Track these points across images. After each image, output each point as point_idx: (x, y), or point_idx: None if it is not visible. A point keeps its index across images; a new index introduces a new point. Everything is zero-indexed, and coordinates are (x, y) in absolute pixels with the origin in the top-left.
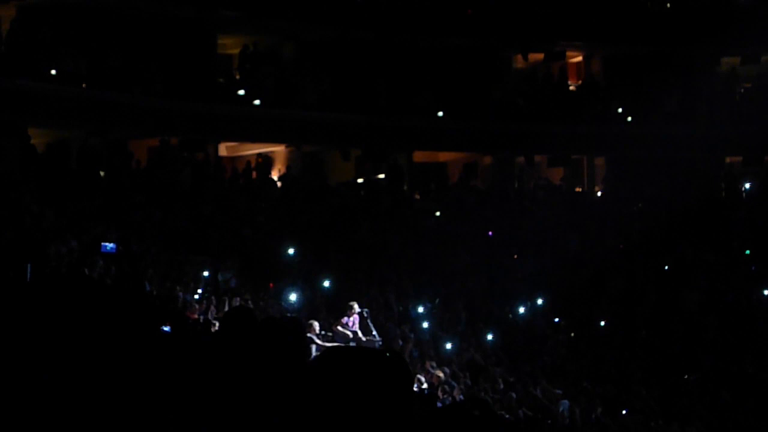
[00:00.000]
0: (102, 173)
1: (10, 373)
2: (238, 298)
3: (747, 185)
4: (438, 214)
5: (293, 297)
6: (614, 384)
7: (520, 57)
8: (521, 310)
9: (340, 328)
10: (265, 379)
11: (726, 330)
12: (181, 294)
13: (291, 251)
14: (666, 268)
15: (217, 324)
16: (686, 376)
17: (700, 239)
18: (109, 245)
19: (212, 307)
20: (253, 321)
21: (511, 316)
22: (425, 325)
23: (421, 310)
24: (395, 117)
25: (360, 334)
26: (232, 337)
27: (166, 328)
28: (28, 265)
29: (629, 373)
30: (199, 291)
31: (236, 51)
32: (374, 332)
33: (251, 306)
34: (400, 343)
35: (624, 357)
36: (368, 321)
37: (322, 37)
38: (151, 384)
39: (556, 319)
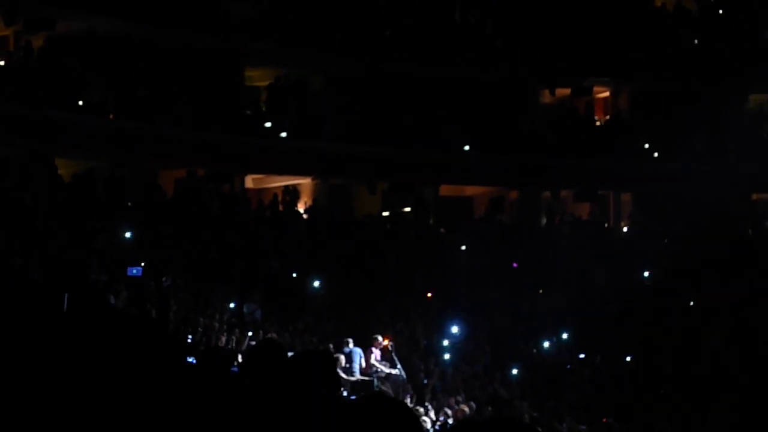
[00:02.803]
0: (129, 204)
1: (43, 405)
2: (261, 331)
3: None
4: (463, 248)
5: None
6: (638, 420)
7: (547, 92)
8: (546, 344)
9: (375, 363)
10: (295, 414)
11: (751, 367)
12: (202, 325)
13: (316, 284)
14: (691, 304)
15: (240, 357)
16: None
17: (725, 276)
18: (135, 269)
19: (233, 338)
20: (282, 355)
21: (535, 350)
22: (449, 358)
23: (446, 343)
24: (422, 150)
25: (384, 368)
26: (261, 370)
27: (192, 360)
28: (66, 295)
29: (653, 409)
30: (225, 323)
31: (263, 83)
32: (399, 366)
33: (276, 338)
34: (423, 376)
35: (648, 393)
36: (393, 354)
37: (350, 69)
38: (178, 416)
39: (581, 355)
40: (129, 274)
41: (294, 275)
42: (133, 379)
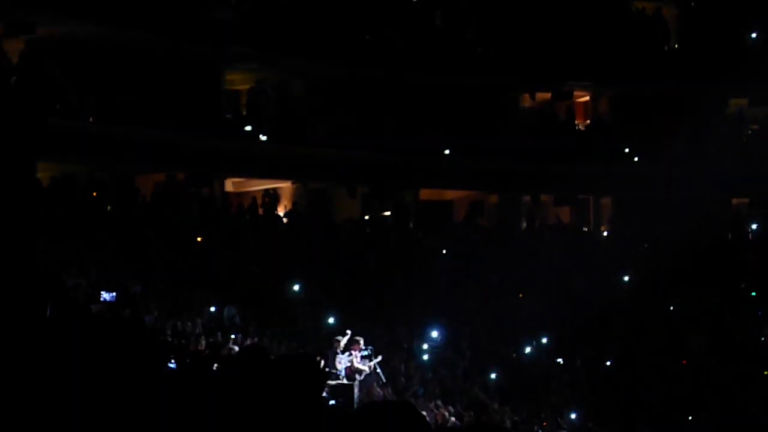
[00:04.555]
0: (108, 208)
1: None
2: (241, 335)
3: (754, 227)
4: (444, 252)
5: None
6: (618, 425)
7: (527, 96)
8: (526, 349)
9: (357, 365)
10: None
11: (731, 372)
12: (180, 330)
13: (296, 288)
14: (672, 309)
15: (221, 360)
16: (690, 417)
17: (706, 281)
18: (109, 295)
19: (213, 342)
20: (267, 360)
21: (515, 355)
22: (429, 362)
23: (426, 347)
24: (402, 155)
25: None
26: (246, 375)
27: (172, 365)
28: (48, 302)
29: (634, 413)
30: (203, 326)
31: (244, 87)
32: (376, 361)
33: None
34: (403, 380)
35: (628, 397)
36: (371, 357)
37: (331, 74)
38: (163, 423)
39: (560, 360)
40: (103, 299)
41: (274, 279)
42: (117, 383)
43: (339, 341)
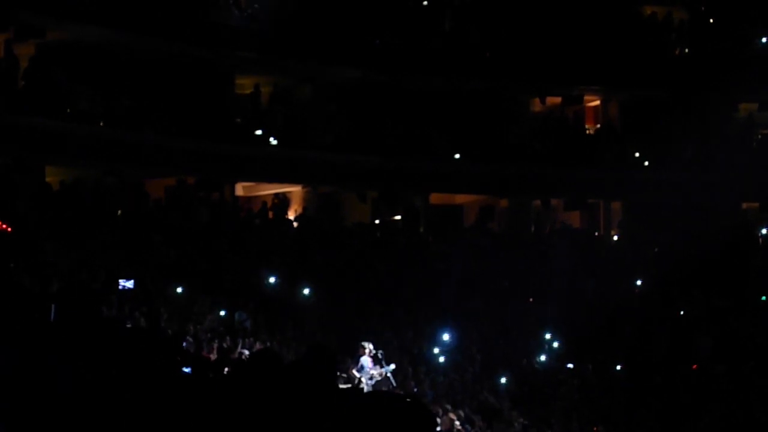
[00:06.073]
0: (118, 212)
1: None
2: (251, 339)
3: (763, 231)
4: (454, 256)
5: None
6: (626, 429)
7: (537, 100)
8: (536, 353)
9: (354, 372)
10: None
11: (738, 377)
12: (192, 334)
13: (306, 292)
14: (681, 313)
15: (231, 365)
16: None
17: (715, 285)
18: (127, 281)
19: (213, 347)
20: (279, 364)
21: (525, 359)
22: (439, 367)
23: (436, 351)
24: (412, 159)
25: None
26: (258, 380)
27: (187, 369)
28: (53, 306)
29: (641, 418)
30: (215, 332)
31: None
32: (387, 368)
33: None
34: (413, 384)
35: (636, 402)
36: (382, 362)
37: (340, 78)
38: (178, 428)
39: (570, 364)
40: (120, 287)
41: (283, 283)
42: (132, 387)
43: (364, 347)
